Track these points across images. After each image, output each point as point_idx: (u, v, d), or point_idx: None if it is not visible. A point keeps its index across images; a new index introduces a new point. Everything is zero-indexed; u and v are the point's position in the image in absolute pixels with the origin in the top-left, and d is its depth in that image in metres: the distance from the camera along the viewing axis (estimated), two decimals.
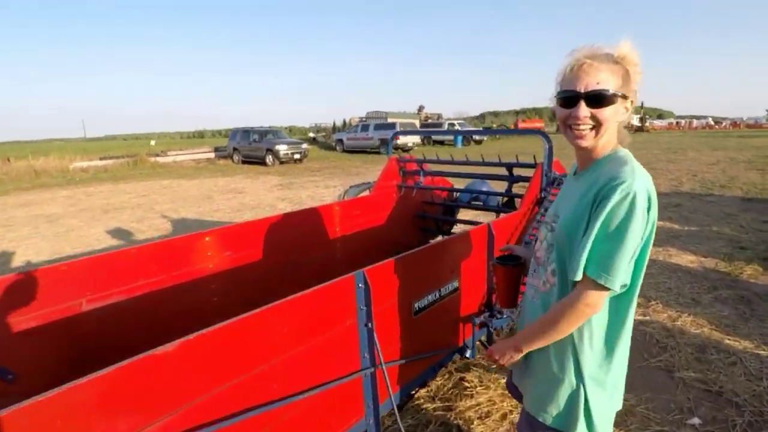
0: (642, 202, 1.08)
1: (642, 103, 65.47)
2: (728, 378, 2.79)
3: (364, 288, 1.58)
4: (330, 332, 1.54)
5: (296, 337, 1.43)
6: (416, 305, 1.92)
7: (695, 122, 68.17)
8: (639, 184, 1.09)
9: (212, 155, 23.07)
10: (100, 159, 20.74)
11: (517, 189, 3.61)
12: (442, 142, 30.45)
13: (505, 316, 2.40)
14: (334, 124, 42.36)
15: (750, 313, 3.68)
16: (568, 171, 1.46)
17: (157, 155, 21.98)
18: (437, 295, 2.04)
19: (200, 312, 2.36)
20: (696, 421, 2.44)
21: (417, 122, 35.24)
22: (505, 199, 3.72)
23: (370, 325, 1.62)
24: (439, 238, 4.27)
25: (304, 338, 1.45)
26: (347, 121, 38.96)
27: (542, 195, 2.90)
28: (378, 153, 23.88)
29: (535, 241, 1.42)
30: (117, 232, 7.49)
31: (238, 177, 15.86)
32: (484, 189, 3.72)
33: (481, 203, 3.84)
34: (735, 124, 64.52)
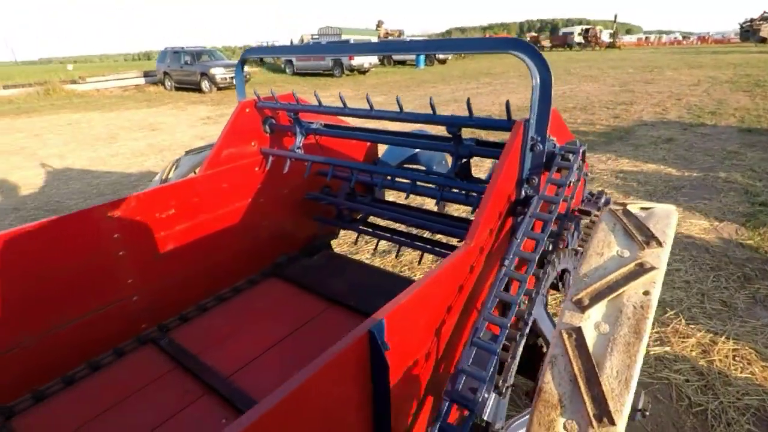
0: None
1: (615, 17, 62.99)
2: None
3: None
4: None
5: None
6: None
7: (664, 38, 66.59)
8: None
9: (142, 81, 20.16)
10: (4, 87, 17.65)
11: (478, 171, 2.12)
12: (403, 62, 28.00)
13: None
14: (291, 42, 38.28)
15: None
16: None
17: (75, 82, 18.94)
18: None
19: None
20: None
21: (375, 39, 32.24)
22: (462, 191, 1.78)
23: None
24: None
25: None
26: (299, 39, 35.13)
27: (523, 197, 1.40)
28: (332, 75, 21.52)
29: None
30: None
31: (164, 108, 13.60)
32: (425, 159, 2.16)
33: (417, 176, 1.88)
34: (703, 39, 63.42)
